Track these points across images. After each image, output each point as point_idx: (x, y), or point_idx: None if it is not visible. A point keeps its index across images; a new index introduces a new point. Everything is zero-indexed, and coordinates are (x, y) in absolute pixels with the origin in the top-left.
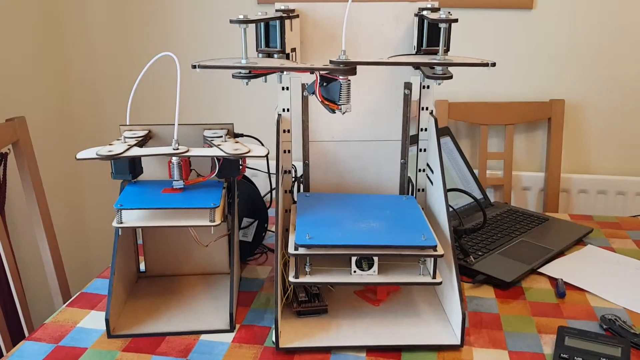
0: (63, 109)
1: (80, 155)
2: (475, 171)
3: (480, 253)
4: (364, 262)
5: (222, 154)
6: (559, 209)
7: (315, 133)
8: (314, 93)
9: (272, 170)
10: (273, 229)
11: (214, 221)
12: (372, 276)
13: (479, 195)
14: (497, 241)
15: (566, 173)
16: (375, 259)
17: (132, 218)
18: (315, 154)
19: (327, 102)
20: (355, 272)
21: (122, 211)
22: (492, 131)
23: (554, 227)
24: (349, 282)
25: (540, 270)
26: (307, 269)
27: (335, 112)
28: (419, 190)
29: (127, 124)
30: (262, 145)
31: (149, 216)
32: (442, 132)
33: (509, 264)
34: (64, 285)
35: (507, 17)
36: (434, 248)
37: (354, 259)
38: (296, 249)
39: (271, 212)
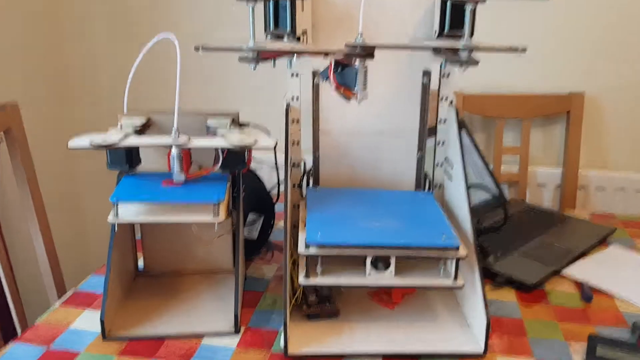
0: (59, 95)
1: (72, 143)
2: (489, 166)
3: (498, 253)
4: (380, 263)
5: (226, 145)
6: (576, 206)
7: (326, 124)
8: (327, 79)
9: (280, 163)
10: (280, 225)
11: (218, 217)
12: (388, 278)
13: (494, 192)
14: (515, 241)
15: (584, 169)
16: (392, 259)
17: (130, 213)
18: (326, 146)
19: (342, 89)
20: (370, 273)
21: (119, 205)
22: (508, 125)
23: (575, 226)
24: (364, 284)
25: (563, 272)
26: (319, 270)
27: (350, 100)
28: (435, 186)
29: (125, 111)
30: (269, 135)
31: (148, 211)
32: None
33: (530, 265)
34: (59, 282)
35: (525, 5)
36: (456, 249)
37: (369, 259)
38: (307, 248)
39: (278, 207)
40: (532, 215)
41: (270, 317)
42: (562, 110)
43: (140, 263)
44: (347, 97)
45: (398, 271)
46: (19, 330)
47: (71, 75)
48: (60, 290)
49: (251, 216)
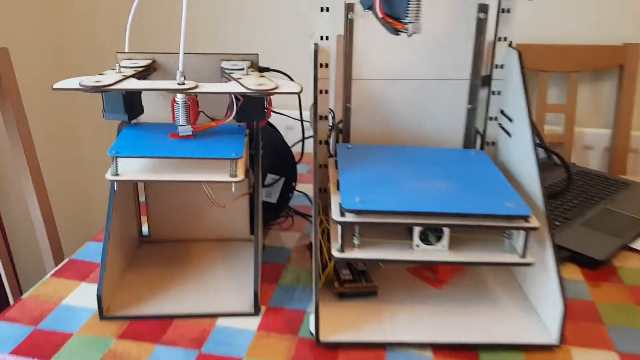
0: (54, 38)
1: (58, 84)
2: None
3: (557, 223)
4: (431, 234)
5: (243, 89)
6: (627, 171)
7: (360, 69)
8: (370, 8)
9: (304, 116)
10: (301, 188)
11: (235, 176)
12: (441, 252)
13: (541, 155)
14: (574, 208)
15: (637, 130)
16: (446, 230)
17: (132, 169)
18: (359, 95)
19: (389, 20)
20: (418, 246)
21: (118, 160)
22: (553, 80)
23: (638, 192)
24: (411, 259)
25: (633, 245)
26: (356, 241)
27: (399, 34)
28: (487, 143)
29: (127, 49)
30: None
31: (153, 167)
32: None
33: (596, 237)
34: (57, 248)
35: None
36: (526, 218)
37: (417, 229)
38: (342, 214)
39: (300, 168)
40: (589, 180)
41: (294, 295)
42: (614, 64)
43: (145, 229)
44: (396, 30)
45: (451, 244)
46: (11, 298)
47: (67, 17)
48: (58, 257)
49: (270, 177)
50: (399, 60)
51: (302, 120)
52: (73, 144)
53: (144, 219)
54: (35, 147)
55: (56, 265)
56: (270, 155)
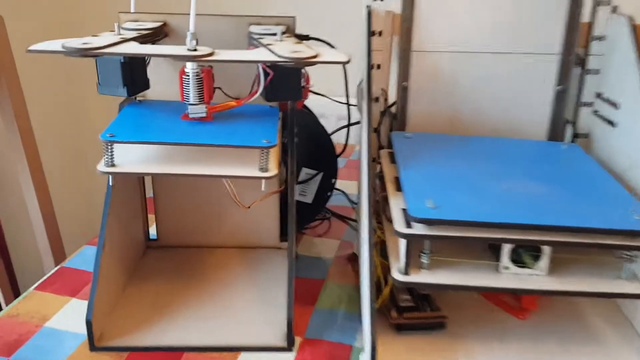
0: (56, 5)
1: (35, 46)
2: None
3: None
4: (526, 254)
5: (273, 57)
6: None
7: (421, 39)
8: None
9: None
10: (340, 185)
11: (266, 170)
12: (538, 278)
13: None
14: None
15: None
16: (547, 250)
17: (132, 159)
18: (420, 71)
19: None
20: (507, 268)
21: (114, 146)
22: None
23: None
24: (500, 287)
25: None
26: (425, 261)
27: None
28: (577, 135)
29: (132, 9)
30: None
31: (160, 157)
32: None
33: None
34: (57, 248)
35: None
36: None
37: (507, 247)
38: (408, 225)
39: (341, 162)
40: None
41: (335, 322)
42: None
43: (153, 230)
44: None
45: (550, 267)
46: (3, 304)
47: None
48: (59, 258)
49: (305, 172)
50: (470, 29)
51: (347, 100)
52: (79, 129)
53: (151, 217)
54: (34, 134)
55: (56, 260)
56: (307, 145)
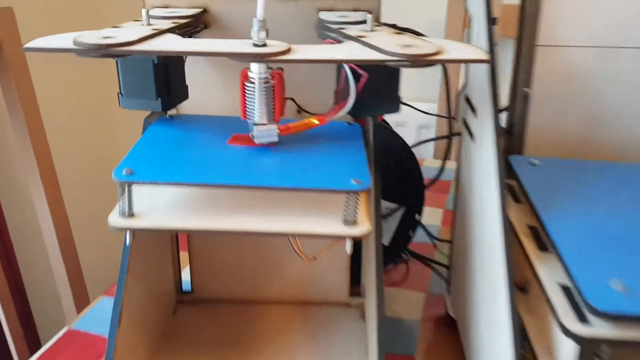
0: None
1: (31, 44)
2: None
3: None
4: None
5: (378, 55)
6: None
7: (551, 30)
8: None
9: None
10: (426, 220)
11: (354, 223)
12: None
13: None
14: None
15: None
16: None
17: (160, 205)
18: (546, 73)
19: None
20: None
21: (134, 189)
22: None
23: None
24: None
25: None
26: None
27: None
28: None
29: None
30: None
31: (200, 202)
32: None
33: None
34: (79, 290)
35: None
36: None
37: None
38: (583, 319)
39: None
40: None
41: None
42: None
43: (186, 278)
44: None
45: None
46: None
47: None
48: (81, 302)
49: (384, 206)
50: (620, 15)
51: (449, 116)
52: (103, 137)
53: (184, 258)
54: (47, 141)
55: (78, 312)
56: (388, 171)
